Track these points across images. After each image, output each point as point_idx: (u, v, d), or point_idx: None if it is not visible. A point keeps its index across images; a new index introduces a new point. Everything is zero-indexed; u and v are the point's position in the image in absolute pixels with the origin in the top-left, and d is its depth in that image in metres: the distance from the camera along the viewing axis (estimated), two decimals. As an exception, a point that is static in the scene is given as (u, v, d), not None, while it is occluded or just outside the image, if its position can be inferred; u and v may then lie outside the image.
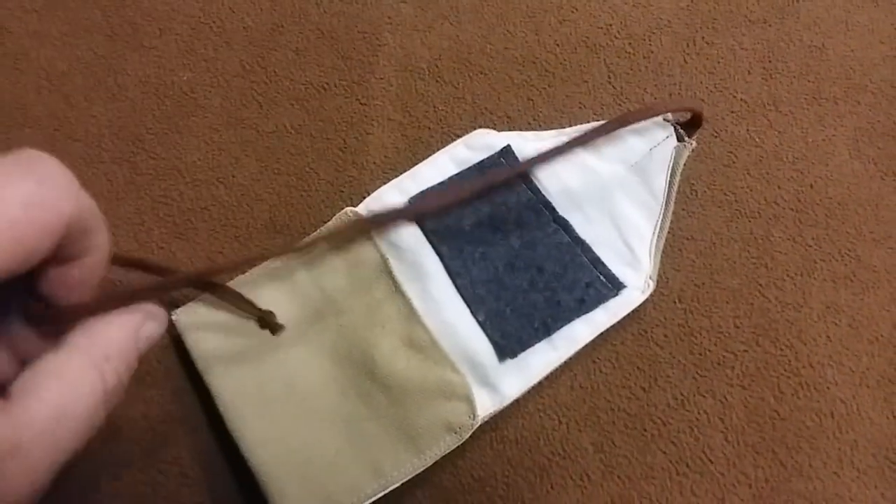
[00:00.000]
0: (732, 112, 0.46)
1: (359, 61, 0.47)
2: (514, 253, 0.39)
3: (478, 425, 0.36)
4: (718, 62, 0.47)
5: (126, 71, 0.47)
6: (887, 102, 0.46)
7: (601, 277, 0.39)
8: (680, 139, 0.41)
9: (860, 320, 0.40)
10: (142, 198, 0.44)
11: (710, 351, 0.40)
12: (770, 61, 0.47)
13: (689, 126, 0.41)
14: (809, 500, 0.37)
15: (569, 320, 0.38)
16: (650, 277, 0.39)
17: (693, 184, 0.44)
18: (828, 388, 0.39)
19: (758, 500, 0.37)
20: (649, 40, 0.48)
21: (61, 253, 0.23)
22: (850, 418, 0.38)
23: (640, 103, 0.46)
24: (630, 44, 0.48)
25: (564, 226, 0.40)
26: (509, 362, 0.37)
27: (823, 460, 0.38)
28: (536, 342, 0.38)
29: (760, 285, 0.41)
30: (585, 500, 0.37)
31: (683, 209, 0.43)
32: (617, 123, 0.39)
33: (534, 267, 0.39)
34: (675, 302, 0.41)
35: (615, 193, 0.40)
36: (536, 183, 0.41)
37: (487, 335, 0.38)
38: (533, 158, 0.39)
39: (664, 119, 0.41)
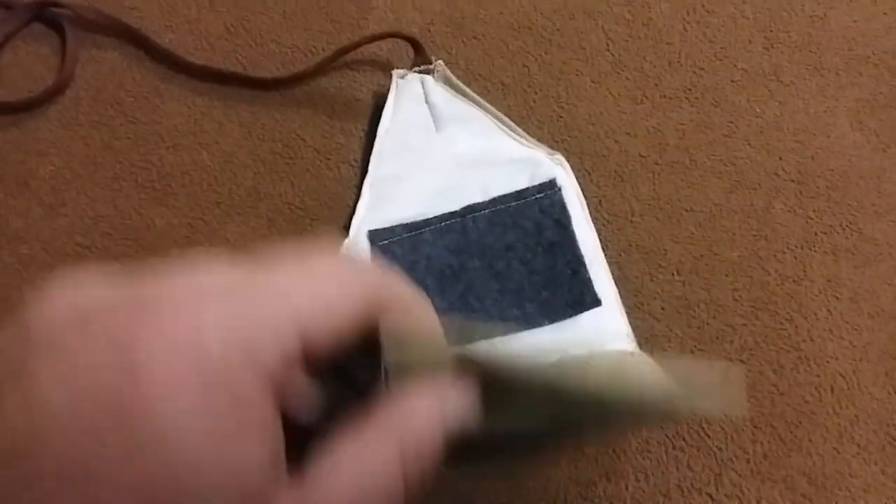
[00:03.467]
0: (733, 81, 0.45)
1: (348, 25, 0.46)
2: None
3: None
4: (719, 30, 0.46)
5: (106, 32, 0.45)
6: (889, 74, 0.45)
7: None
8: (427, 73, 0.43)
9: (861, 294, 0.39)
10: (120, 162, 0.42)
11: (708, 324, 0.39)
12: (772, 31, 0.46)
13: (418, 58, 0.44)
14: (808, 475, 0.36)
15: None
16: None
17: (692, 154, 0.42)
18: (828, 362, 0.38)
19: (756, 476, 0.36)
20: (649, 7, 0.46)
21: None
22: (850, 393, 0.37)
23: (639, 71, 0.45)
24: (629, 10, 0.46)
25: None
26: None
27: (823, 436, 0.37)
28: None
29: (760, 258, 0.40)
30: (578, 473, 0.36)
31: (682, 179, 0.42)
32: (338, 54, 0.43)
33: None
34: (673, 274, 0.40)
35: None
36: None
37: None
38: None
39: (401, 77, 0.43)
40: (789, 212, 0.41)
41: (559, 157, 0.41)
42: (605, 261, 0.39)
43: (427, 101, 0.43)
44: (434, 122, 0.42)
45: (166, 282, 0.18)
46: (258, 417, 0.17)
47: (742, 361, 0.38)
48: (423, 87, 0.43)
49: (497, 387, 0.24)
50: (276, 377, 0.18)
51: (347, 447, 0.19)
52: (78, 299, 0.18)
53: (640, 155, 0.42)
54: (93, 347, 0.16)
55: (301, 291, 0.19)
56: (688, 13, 0.46)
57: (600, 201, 0.41)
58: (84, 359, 0.16)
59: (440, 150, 0.41)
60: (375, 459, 0.19)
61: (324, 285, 0.20)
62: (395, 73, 0.43)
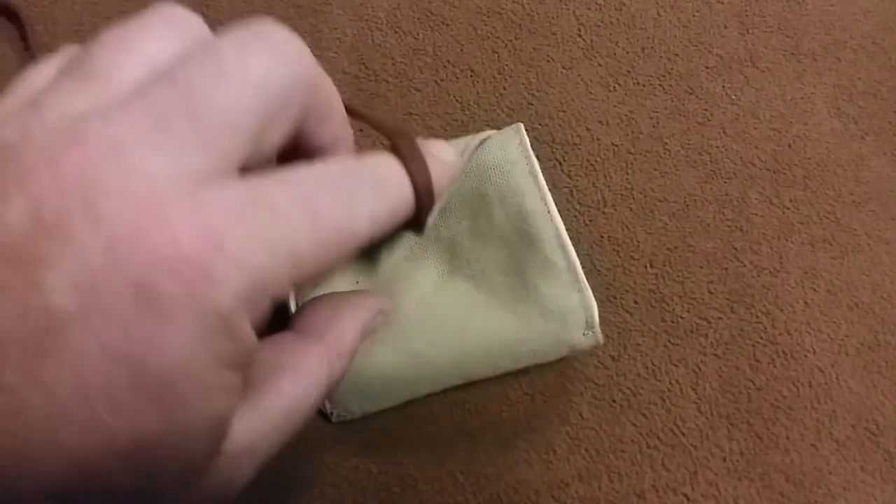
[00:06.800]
0: (708, 68, 0.43)
1: (310, 10, 0.44)
2: None
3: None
4: (693, 15, 0.44)
5: (57, 19, 0.43)
6: (868, 59, 0.44)
7: None
8: None
9: (839, 285, 0.38)
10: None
11: (682, 318, 0.38)
12: (747, 15, 0.45)
13: None
14: (786, 473, 0.35)
15: None
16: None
17: (666, 143, 0.41)
18: (805, 356, 0.37)
19: (732, 474, 0.35)
20: (621, -9, 0.45)
21: (304, 127, 0.21)
22: (828, 387, 0.36)
23: (611, 57, 0.43)
24: (601, -5, 0.45)
25: None
26: None
27: (801, 432, 0.36)
28: None
29: (736, 249, 0.39)
30: (550, 474, 0.35)
31: (656, 169, 0.40)
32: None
33: None
34: (646, 266, 0.39)
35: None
36: None
37: None
38: None
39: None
40: (765, 202, 0.40)
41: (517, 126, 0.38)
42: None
43: None
44: None
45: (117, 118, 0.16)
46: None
47: (717, 356, 0.37)
48: None
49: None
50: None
51: (288, 356, 0.21)
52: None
53: (613, 144, 0.41)
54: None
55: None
56: (662, -3, 0.45)
57: (571, 192, 0.40)
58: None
59: None
60: (310, 371, 0.21)
61: None
62: None
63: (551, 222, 0.34)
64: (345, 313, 0.23)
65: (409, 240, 0.35)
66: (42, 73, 0.19)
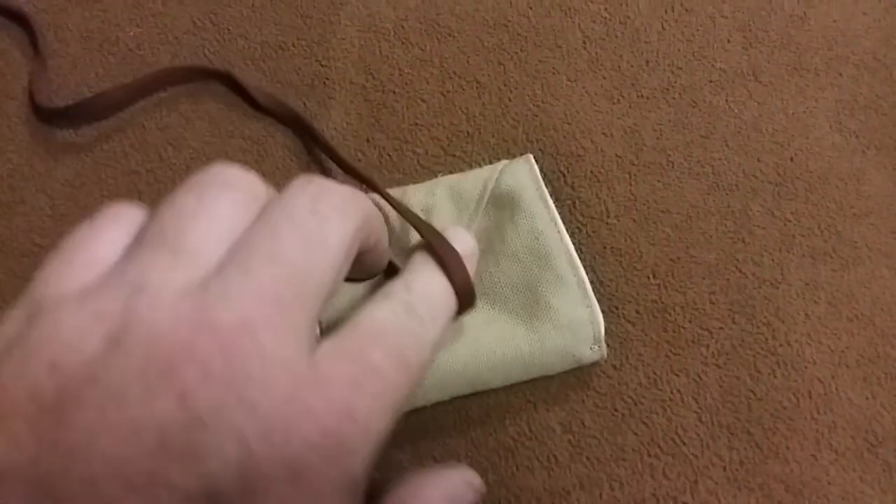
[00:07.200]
0: (711, 81, 0.44)
1: (319, 20, 0.45)
2: None
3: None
4: (697, 29, 0.45)
5: (68, 26, 0.44)
6: (869, 74, 0.44)
7: None
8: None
9: (840, 297, 0.39)
10: (82, 160, 0.40)
11: (684, 328, 0.38)
12: (750, 30, 0.45)
13: None
14: (785, 483, 0.35)
15: None
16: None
17: (669, 155, 0.42)
18: (806, 367, 0.37)
19: (732, 483, 0.35)
20: (626, 5, 0.45)
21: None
22: (828, 399, 0.37)
23: (616, 70, 0.44)
24: (606, 8, 0.45)
25: None
26: None
27: (801, 442, 0.36)
28: None
29: (737, 260, 0.39)
30: (552, 482, 0.35)
31: (659, 181, 0.41)
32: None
33: None
34: (648, 277, 0.39)
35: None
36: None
37: None
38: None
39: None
40: (767, 214, 0.40)
41: (527, 157, 0.39)
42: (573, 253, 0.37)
43: None
44: None
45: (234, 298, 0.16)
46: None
47: (718, 366, 0.37)
48: None
49: None
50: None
51: None
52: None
53: (617, 155, 0.41)
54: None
55: None
56: (666, 11, 0.45)
57: (574, 203, 0.40)
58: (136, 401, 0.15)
59: None
60: None
61: None
62: None
63: (562, 242, 0.36)
64: (429, 485, 0.23)
65: None
66: (100, 239, 0.18)
